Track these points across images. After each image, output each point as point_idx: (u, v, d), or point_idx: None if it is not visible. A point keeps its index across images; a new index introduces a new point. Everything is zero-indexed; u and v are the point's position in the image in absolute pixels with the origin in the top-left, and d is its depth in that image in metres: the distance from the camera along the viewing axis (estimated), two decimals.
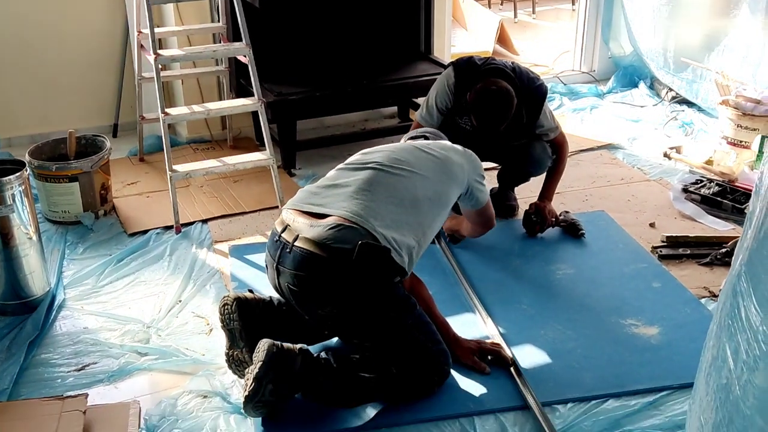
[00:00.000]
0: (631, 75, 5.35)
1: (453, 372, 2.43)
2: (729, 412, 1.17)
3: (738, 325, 1.17)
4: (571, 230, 3.36)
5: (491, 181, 3.47)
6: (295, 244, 2.25)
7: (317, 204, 2.35)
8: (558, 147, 3.43)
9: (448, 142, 2.82)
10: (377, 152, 2.59)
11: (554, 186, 3.44)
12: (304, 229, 2.27)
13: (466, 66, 3.24)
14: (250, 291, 2.50)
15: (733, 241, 3.20)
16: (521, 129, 3.28)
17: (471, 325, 2.74)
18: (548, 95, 5.10)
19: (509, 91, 3.08)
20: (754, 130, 3.92)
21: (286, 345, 2.22)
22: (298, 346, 2.24)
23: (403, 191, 2.42)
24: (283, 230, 2.33)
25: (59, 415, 2.20)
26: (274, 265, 2.32)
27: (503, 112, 3.09)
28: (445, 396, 2.37)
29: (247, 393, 2.16)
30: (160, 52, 3.57)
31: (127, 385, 2.50)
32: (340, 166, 2.59)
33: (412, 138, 2.90)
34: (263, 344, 2.19)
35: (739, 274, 1.23)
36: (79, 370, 2.56)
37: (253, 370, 2.17)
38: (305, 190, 2.49)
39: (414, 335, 2.31)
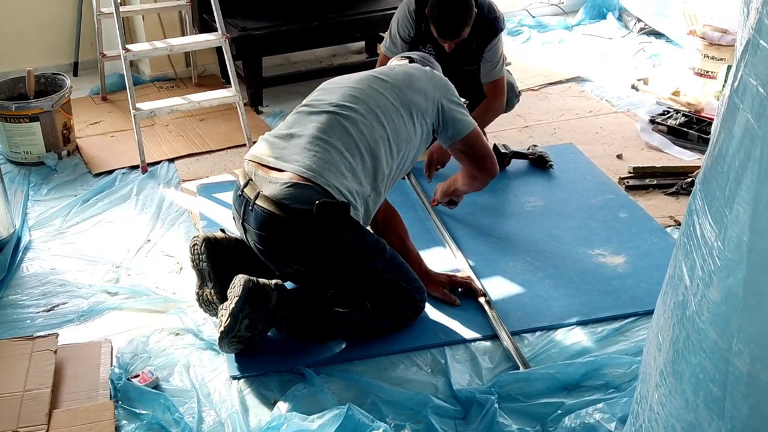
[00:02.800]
0: (599, 6, 5.32)
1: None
2: (685, 327, 1.20)
3: (693, 242, 1.19)
4: (540, 162, 3.38)
5: None
6: (256, 202, 2.22)
7: (274, 157, 2.30)
8: (490, 92, 3.32)
9: (414, 66, 2.62)
10: (335, 90, 2.47)
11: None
12: (263, 185, 2.24)
13: None
14: (222, 231, 2.48)
15: (699, 170, 3.24)
16: (472, 56, 3.24)
17: (441, 258, 2.76)
18: (516, 28, 5.10)
19: None
20: (721, 60, 3.92)
21: (261, 280, 2.22)
22: (273, 281, 2.25)
23: (359, 136, 2.32)
24: (246, 184, 2.29)
25: (30, 354, 2.20)
26: (240, 221, 2.31)
27: (462, 13, 2.97)
28: (417, 328, 2.40)
29: (222, 328, 2.17)
30: None
31: (98, 324, 2.49)
32: (299, 108, 2.48)
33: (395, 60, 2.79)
34: (239, 279, 2.19)
35: (695, 193, 1.25)
36: (49, 310, 2.55)
37: (228, 306, 2.17)
38: (264, 139, 2.41)
39: (385, 277, 2.32)
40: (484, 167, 2.63)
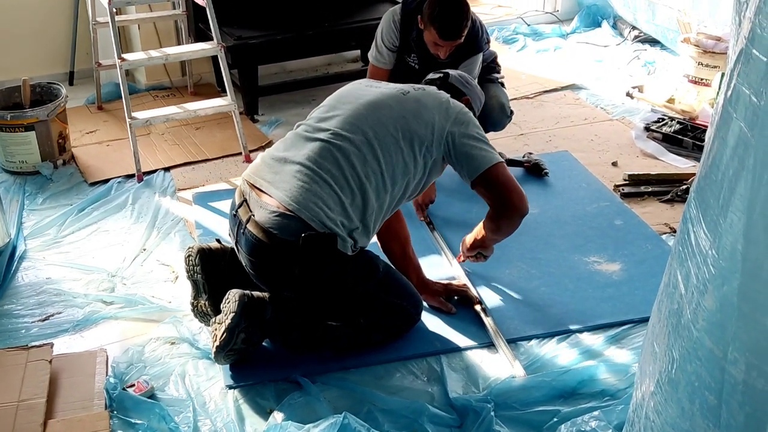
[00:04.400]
0: (594, 15, 5.33)
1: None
2: (681, 336, 1.20)
3: (688, 250, 1.19)
4: (535, 170, 3.38)
5: None
6: (247, 226, 2.20)
7: (267, 181, 2.25)
8: None
9: (430, 94, 2.41)
10: (342, 107, 2.35)
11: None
12: (255, 209, 2.22)
13: (413, 2, 3.18)
14: (217, 240, 2.47)
15: (693, 177, 3.24)
16: (445, 66, 3.19)
17: (437, 266, 2.76)
18: (512, 36, 5.10)
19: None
20: (715, 67, 3.93)
21: (255, 294, 2.22)
22: (267, 293, 2.25)
23: (350, 170, 2.21)
24: (240, 204, 2.27)
25: (25, 364, 2.19)
26: (234, 242, 2.30)
27: (462, 14, 2.97)
28: (412, 336, 2.40)
29: (219, 343, 2.17)
30: None
31: (93, 334, 2.49)
32: (300, 125, 2.39)
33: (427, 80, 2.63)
34: (233, 295, 2.19)
35: (689, 201, 1.25)
36: (44, 320, 2.54)
37: (224, 321, 2.17)
38: (262, 158, 2.36)
39: (379, 296, 2.31)
40: (507, 204, 2.31)
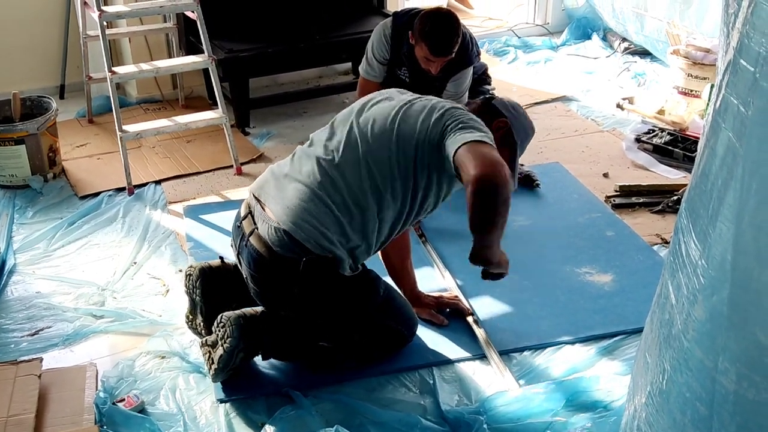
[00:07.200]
0: (584, 27, 5.36)
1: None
2: (672, 346, 1.20)
3: (679, 260, 1.19)
4: (526, 182, 3.38)
5: None
6: (249, 239, 2.19)
7: (271, 196, 2.23)
8: None
9: (423, 105, 2.21)
10: (339, 131, 2.26)
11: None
12: (259, 222, 2.20)
13: (404, 16, 3.20)
14: (221, 258, 2.44)
15: (684, 188, 3.26)
16: (436, 81, 3.20)
17: (430, 278, 2.75)
18: (502, 48, 5.13)
19: (455, 14, 3.02)
20: (704, 79, 3.96)
21: (249, 313, 2.21)
22: (260, 310, 2.24)
23: (347, 191, 2.14)
24: (245, 216, 2.25)
25: (14, 379, 2.17)
26: (236, 253, 2.30)
27: (453, 30, 2.98)
28: (405, 348, 2.39)
29: (217, 366, 2.17)
30: (104, 8, 3.46)
31: (83, 348, 2.47)
32: (306, 144, 2.31)
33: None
34: (229, 318, 2.18)
35: (681, 212, 1.25)
36: (33, 334, 2.52)
37: (220, 345, 2.17)
38: (270, 171, 2.32)
39: (376, 319, 2.30)
40: (477, 169, 1.90)
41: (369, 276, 2.29)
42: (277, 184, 2.26)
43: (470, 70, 3.25)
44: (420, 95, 2.34)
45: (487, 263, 2.10)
